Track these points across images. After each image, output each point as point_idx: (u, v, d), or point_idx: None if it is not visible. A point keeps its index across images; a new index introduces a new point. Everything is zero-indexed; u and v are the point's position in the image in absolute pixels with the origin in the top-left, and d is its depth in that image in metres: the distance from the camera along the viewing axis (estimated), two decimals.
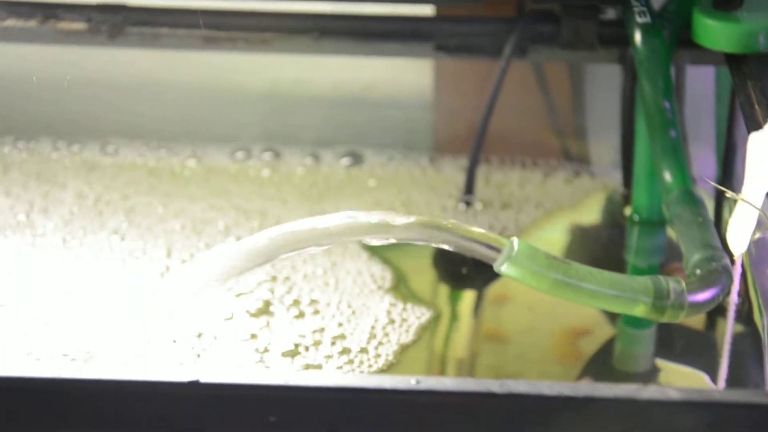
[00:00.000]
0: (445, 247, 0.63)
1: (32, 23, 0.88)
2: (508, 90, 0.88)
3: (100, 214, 0.85)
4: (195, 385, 0.40)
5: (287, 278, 0.77)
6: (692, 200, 0.77)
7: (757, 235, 0.62)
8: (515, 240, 0.62)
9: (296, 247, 0.64)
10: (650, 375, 0.77)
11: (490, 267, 0.62)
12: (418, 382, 0.40)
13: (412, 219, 0.64)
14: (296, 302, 0.75)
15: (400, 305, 0.75)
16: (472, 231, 0.62)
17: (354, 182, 0.89)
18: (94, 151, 0.92)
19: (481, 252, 0.63)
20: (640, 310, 0.65)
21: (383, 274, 0.77)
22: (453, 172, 0.91)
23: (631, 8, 0.83)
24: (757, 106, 0.74)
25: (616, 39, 0.85)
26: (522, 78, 0.93)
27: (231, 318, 0.73)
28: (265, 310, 0.74)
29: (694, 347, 0.78)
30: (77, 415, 0.40)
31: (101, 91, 0.95)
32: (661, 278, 0.66)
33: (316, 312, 0.74)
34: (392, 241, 0.63)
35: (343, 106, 0.96)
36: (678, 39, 0.83)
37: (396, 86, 0.96)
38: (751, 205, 0.61)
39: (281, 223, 0.63)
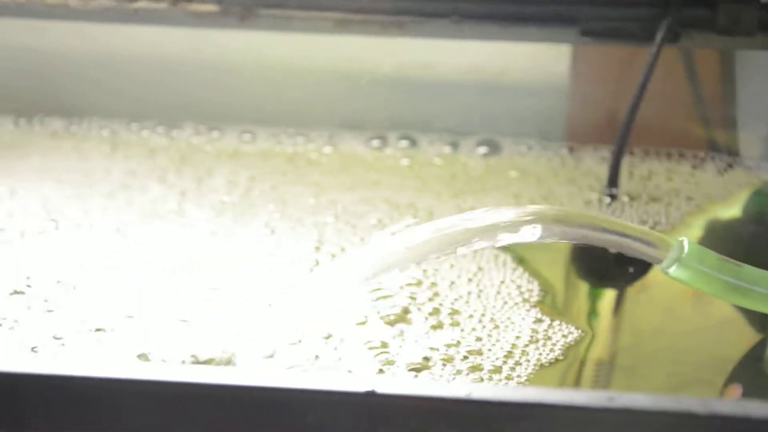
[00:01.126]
0: (605, 246, 0.60)
1: (163, 5, 0.86)
2: (654, 77, 0.84)
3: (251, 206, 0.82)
4: (371, 395, 0.38)
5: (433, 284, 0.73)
6: None
7: None
8: (685, 240, 0.58)
9: (448, 247, 0.61)
10: None
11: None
12: (611, 398, 0.37)
13: (570, 214, 0.61)
14: (436, 311, 0.72)
15: (546, 321, 0.71)
16: (636, 229, 0.58)
17: (493, 173, 0.85)
18: (233, 138, 0.90)
19: (645, 252, 0.59)
20: None
21: (530, 286, 0.73)
22: (593, 163, 0.87)
23: None
24: None
25: None
26: (667, 64, 0.89)
27: (364, 323, 0.70)
28: (403, 317, 0.71)
29: None
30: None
31: (229, 76, 0.92)
32: None
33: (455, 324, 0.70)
34: (551, 240, 0.59)
35: (476, 93, 0.92)
36: None
37: (531, 72, 0.92)
38: None
39: (434, 217, 0.60)
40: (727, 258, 0.59)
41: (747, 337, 0.72)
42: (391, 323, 0.69)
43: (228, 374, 0.40)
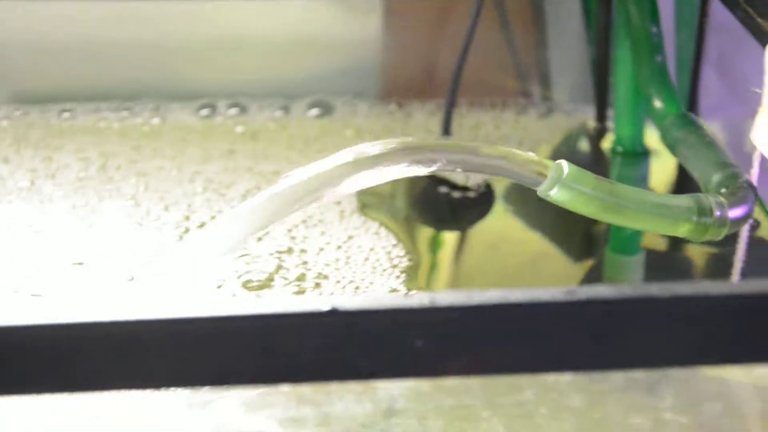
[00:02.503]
0: (483, 172, 0.60)
1: None
2: (465, 28, 0.85)
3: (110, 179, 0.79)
4: (333, 313, 0.36)
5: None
6: (691, 122, 0.75)
7: None
8: (564, 162, 0.59)
9: (319, 190, 0.60)
10: None
11: None
12: (570, 292, 0.37)
13: (447, 142, 0.61)
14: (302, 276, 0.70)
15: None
16: (514, 153, 0.59)
17: (329, 134, 0.85)
18: (53, 116, 0.85)
19: (524, 175, 0.60)
20: (684, 230, 0.62)
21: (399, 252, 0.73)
22: (422, 116, 0.87)
23: None
24: (760, 19, 0.73)
25: None
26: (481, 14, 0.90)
27: (221, 286, 0.68)
28: (267, 284, 0.69)
29: (681, 273, 0.76)
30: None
31: (38, 52, 0.88)
32: (702, 196, 0.63)
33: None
34: (427, 170, 0.59)
35: (298, 55, 0.91)
36: None
37: (345, 30, 0.92)
38: None
39: None
40: (602, 177, 0.60)
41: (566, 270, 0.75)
42: (253, 288, 0.67)
43: (181, 308, 0.38)
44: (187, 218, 0.75)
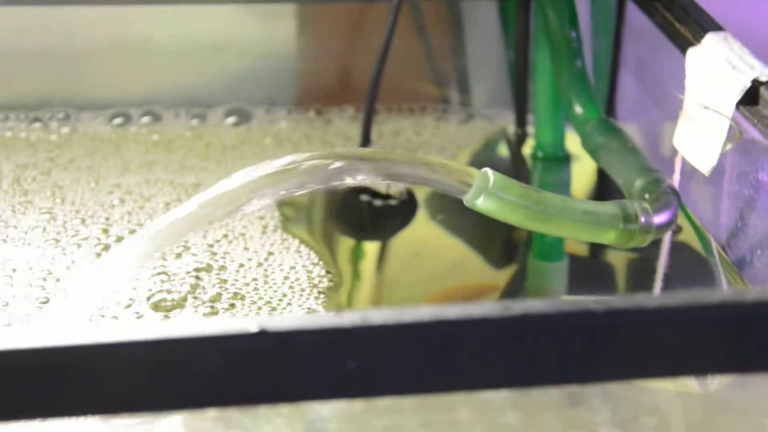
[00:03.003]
0: (408, 182, 0.59)
1: None
2: (381, 34, 0.84)
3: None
4: (262, 334, 0.35)
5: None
6: (612, 128, 0.75)
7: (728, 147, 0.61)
8: (489, 170, 0.58)
9: (241, 200, 0.58)
10: None
11: None
12: (506, 308, 0.36)
13: (370, 151, 0.59)
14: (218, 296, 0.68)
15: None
16: (439, 162, 0.58)
17: (246, 143, 0.83)
18: None
19: (449, 184, 0.59)
20: (610, 237, 0.62)
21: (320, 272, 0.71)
22: (342, 124, 0.86)
23: None
24: (678, 24, 0.73)
25: None
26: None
27: (129, 306, 0.66)
28: (180, 303, 0.67)
29: (604, 279, 0.76)
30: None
31: None
32: (626, 202, 0.63)
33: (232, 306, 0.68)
34: (352, 181, 0.58)
35: (210, 62, 0.89)
36: None
37: (259, 36, 0.90)
38: (721, 114, 0.59)
39: None
40: (527, 185, 0.59)
41: (487, 272, 0.75)
42: (164, 309, 0.66)
43: (109, 332, 0.36)
44: (105, 232, 0.73)
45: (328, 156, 0.56)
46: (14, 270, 0.68)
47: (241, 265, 0.70)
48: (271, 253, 0.71)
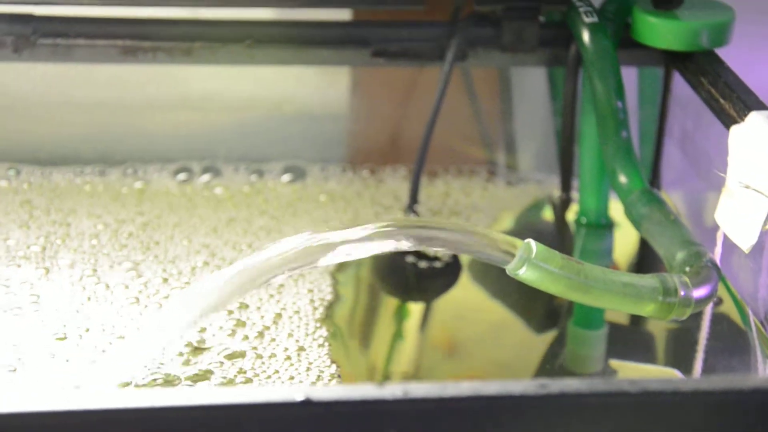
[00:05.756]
0: (454, 250, 0.61)
1: None
2: (431, 97, 0.86)
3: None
4: (307, 403, 0.37)
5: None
6: (656, 199, 0.76)
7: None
8: (532, 241, 0.60)
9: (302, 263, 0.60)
10: (607, 374, 0.76)
11: None
12: (543, 386, 0.37)
13: (417, 220, 0.61)
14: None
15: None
16: (484, 232, 0.60)
17: (303, 199, 0.85)
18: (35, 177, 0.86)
19: (493, 254, 0.60)
20: (649, 310, 0.63)
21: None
22: (395, 183, 0.88)
23: (576, 8, 0.82)
24: (723, 101, 0.74)
25: (554, 40, 0.85)
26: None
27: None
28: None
29: (643, 348, 0.77)
30: None
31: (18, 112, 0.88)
32: (667, 276, 0.64)
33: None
34: (402, 247, 0.60)
35: (269, 120, 0.92)
36: (619, 39, 0.83)
37: (315, 97, 0.93)
38: (762, 194, 0.60)
39: None
40: (569, 257, 0.61)
41: (527, 336, 0.76)
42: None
43: (157, 396, 0.38)
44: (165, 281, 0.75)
45: (382, 225, 0.58)
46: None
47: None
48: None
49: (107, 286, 0.74)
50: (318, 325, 0.72)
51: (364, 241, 0.57)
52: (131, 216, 0.82)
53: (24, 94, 0.90)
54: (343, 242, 0.58)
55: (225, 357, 0.68)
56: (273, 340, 0.70)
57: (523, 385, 0.38)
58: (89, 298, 0.73)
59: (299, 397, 0.39)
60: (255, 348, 0.69)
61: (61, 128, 0.91)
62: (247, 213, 0.84)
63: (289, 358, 0.69)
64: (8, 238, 0.79)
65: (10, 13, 0.81)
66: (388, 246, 0.58)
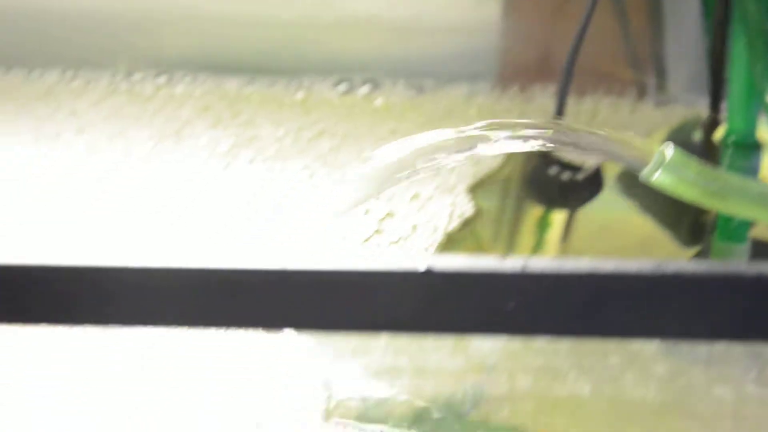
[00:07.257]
0: (590, 153, 0.62)
1: None
2: (580, 17, 0.86)
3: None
4: (429, 274, 0.39)
5: None
6: None
7: None
8: (669, 146, 0.61)
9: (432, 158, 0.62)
10: None
11: None
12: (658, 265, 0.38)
13: (552, 122, 0.62)
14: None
15: None
16: (619, 136, 0.60)
17: (454, 113, 0.88)
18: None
19: (629, 158, 0.61)
20: None
21: None
22: (544, 100, 0.90)
23: None
24: None
25: None
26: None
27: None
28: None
29: None
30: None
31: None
32: None
33: None
34: (529, 147, 0.61)
35: (411, 35, 0.94)
36: None
37: (464, 15, 0.94)
38: None
39: None
40: (706, 164, 0.61)
41: (671, 250, 0.77)
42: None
43: (286, 260, 0.40)
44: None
45: (516, 125, 0.59)
46: None
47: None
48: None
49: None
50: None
51: (498, 141, 0.59)
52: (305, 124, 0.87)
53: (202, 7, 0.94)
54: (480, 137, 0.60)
55: None
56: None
57: (640, 264, 0.40)
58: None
59: (422, 267, 0.41)
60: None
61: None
62: (408, 126, 0.87)
63: None
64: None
65: None
66: (524, 147, 0.60)
